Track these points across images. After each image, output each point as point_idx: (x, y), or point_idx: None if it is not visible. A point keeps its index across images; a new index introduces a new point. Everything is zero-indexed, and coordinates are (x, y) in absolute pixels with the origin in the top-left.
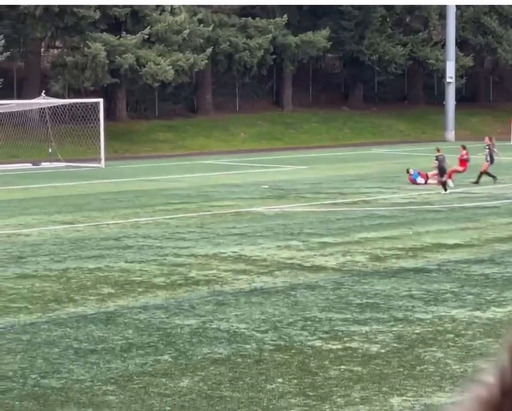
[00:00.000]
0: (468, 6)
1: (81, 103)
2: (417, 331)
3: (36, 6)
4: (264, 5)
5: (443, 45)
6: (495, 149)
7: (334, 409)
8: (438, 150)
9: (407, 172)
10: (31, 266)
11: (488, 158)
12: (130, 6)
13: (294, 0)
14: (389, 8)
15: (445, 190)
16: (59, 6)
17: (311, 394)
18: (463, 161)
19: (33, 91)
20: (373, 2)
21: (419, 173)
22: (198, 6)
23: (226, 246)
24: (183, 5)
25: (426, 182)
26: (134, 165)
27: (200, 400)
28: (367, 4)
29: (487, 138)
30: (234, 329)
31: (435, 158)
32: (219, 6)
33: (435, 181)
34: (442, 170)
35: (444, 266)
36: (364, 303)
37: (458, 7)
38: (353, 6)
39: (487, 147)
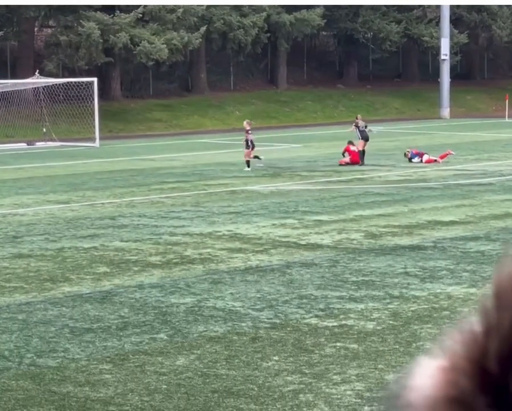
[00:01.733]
0: None
1: (75, 82)
2: (413, 308)
3: None
4: None
5: (438, 23)
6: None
7: (330, 386)
8: (249, 124)
9: (405, 155)
10: (26, 246)
11: (360, 137)
12: None
13: (287, 0)
14: None
15: (248, 166)
16: None
17: (306, 371)
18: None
19: (27, 70)
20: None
21: (416, 153)
22: None
23: (221, 224)
24: None
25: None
26: (129, 145)
27: (197, 378)
28: None
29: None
30: (229, 307)
31: (246, 131)
32: None
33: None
34: (252, 144)
35: (440, 243)
36: (359, 281)
37: None
38: None
39: (355, 126)
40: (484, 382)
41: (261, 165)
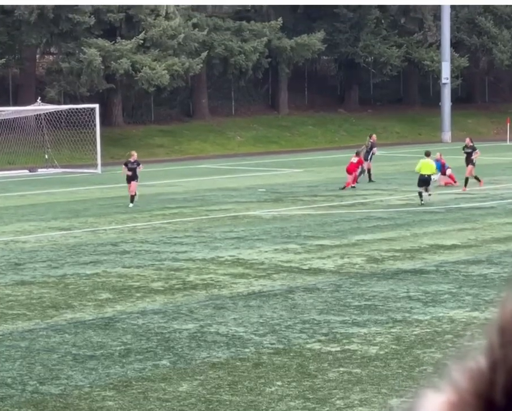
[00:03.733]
0: (463, 7)
1: (77, 109)
2: (416, 332)
3: (31, 12)
4: (259, 9)
5: (439, 46)
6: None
7: None
8: (131, 155)
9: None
10: (29, 273)
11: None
12: (125, 11)
13: (289, 0)
14: (383, 10)
15: (132, 201)
16: (54, 12)
17: (310, 396)
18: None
19: (29, 97)
20: (368, 2)
21: (443, 164)
22: (193, 10)
23: (224, 250)
24: (177, 10)
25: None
26: None
27: (200, 404)
28: (362, 5)
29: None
30: (232, 333)
31: (130, 164)
32: (214, 10)
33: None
34: (132, 177)
35: (442, 267)
36: (362, 305)
37: (452, 7)
38: (347, 8)
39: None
40: None
41: (263, 189)
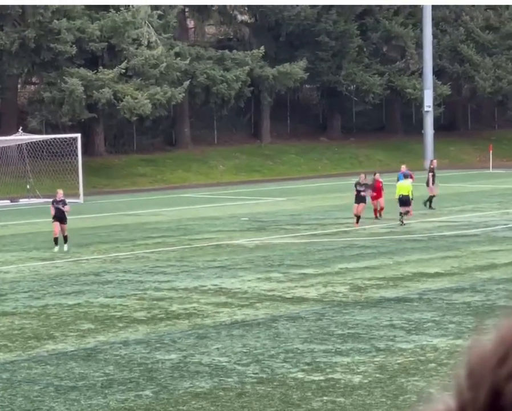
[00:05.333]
0: (445, 35)
1: (59, 139)
2: (399, 361)
3: (12, 42)
4: (241, 37)
5: (421, 74)
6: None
7: None
8: (57, 192)
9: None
10: (10, 304)
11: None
12: (107, 41)
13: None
14: (365, 38)
15: (56, 244)
16: (35, 42)
17: None
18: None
19: (11, 127)
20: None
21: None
22: (175, 40)
23: (207, 279)
24: (159, 39)
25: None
26: (113, 200)
27: None
28: (344, 34)
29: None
30: (215, 363)
31: (56, 202)
32: (196, 39)
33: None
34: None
35: (425, 295)
36: (345, 334)
37: (434, 35)
38: (329, 37)
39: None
40: None
41: (245, 218)
